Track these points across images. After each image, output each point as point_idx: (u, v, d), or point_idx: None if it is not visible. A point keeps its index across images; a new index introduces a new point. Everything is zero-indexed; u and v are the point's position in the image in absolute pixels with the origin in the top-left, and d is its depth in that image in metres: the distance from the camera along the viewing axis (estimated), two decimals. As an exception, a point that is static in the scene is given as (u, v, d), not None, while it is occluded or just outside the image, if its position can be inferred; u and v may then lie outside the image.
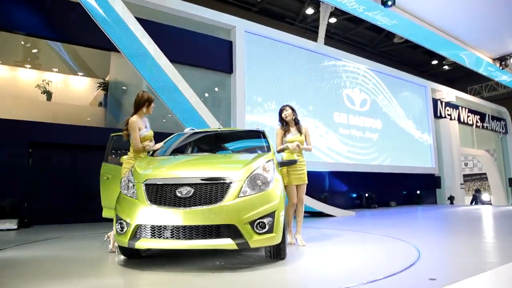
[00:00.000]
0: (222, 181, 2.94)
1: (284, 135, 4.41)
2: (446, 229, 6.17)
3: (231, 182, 2.94)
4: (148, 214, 2.88)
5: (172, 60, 7.03)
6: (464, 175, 18.43)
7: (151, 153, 3.83)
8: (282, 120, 4.46)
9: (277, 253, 3.25)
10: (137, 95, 3.85)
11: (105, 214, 4.56)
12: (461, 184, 15.13)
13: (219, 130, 4.60)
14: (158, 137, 4.03)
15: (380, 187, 12.44)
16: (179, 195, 2.88)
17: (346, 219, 7.94)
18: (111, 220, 4.56)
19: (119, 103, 9.32)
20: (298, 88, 10.39)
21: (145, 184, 3.01)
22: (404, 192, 13.72)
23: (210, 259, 3.37)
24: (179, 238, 2.80)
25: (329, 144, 10.86)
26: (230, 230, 2.81)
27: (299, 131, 4.38)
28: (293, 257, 3.46)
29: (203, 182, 2.92)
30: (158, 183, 2.98)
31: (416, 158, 13.70)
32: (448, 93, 15.93)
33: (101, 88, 10.13)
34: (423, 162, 14.00)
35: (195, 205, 2.84)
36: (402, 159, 13.08)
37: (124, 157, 3.84)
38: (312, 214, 8.66)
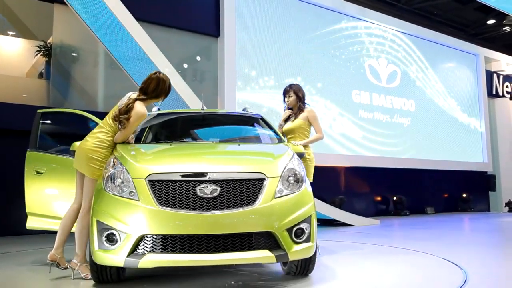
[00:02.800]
0: (256, 178, 3.17)
1: (288, 119, 4.93)
2: (501, 245, 6.47)
3: (264, 179, 3.18)
4: (158, 220, 2.96)
5: (139, 18, 7.21)
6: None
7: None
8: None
9: (305, 268, 3.48)
10: (157, 78, 3.72)
11: (32, 223, 4.43)
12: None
13: (202, 112, 4.77)
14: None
15: (412, 188, 12.80)
16: (201, 194, 3.02)
17: (368, 229, 8.28)
18: (38, 232, 4.22)
19: (66, 74, 9.45)
20: (305, 58, 10.63)
21: (149, 180, 3.10)
22: (445, 196, 14.10)
23: (212, 279, 3.56)
24: (201, 251, 2.93)
25: (346, 132, 11.17)
26: (266, 239, 3.05)
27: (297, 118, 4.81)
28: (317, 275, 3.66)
29: (232, 178, 3.11)
30: (170, 178, 3.09)
31: (461, 151, 14.07)
32: (508, 64, 16.16)
33: (41, 53, 10.24)
34: (471, 156, 14.38)
35: (223, 208, 3.00)
36: (443, 152, 13.44)
37: (77, 143, 3.75)
38: (323, 223, 8.99)
